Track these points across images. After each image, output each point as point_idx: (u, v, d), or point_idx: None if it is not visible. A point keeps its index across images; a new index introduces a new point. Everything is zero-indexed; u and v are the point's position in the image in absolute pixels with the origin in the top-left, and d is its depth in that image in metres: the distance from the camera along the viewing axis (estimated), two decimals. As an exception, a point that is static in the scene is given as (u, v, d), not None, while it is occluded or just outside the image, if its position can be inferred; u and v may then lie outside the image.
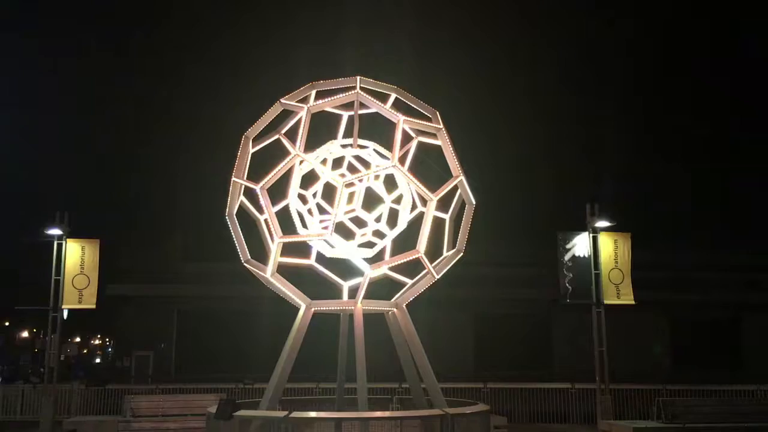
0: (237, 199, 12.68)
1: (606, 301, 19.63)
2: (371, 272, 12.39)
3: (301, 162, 12.63)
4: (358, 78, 12.61)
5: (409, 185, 12.74)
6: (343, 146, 13.18)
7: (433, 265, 12.62)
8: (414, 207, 13.08)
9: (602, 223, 19.87)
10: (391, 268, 12.99)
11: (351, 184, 12.56)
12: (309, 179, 12.93)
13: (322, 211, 12.66)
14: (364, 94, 12.57)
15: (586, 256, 19.83)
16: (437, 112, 12.93)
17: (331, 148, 13.13)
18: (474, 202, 12.89)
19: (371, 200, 12.92)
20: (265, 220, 12.36)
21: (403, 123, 12.34)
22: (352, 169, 12.92)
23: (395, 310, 12.96)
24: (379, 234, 12.98)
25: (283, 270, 12.61)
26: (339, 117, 13.44)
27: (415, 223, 12.79)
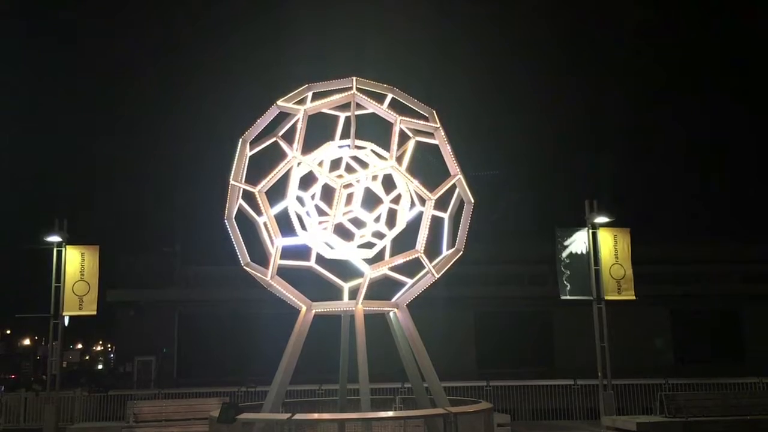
0: (235, 203, 12.66)
1: (607, 297, 19.60)
2: (371, 273, 12.36)
3: (298, 164, 12.61)
4: (354, 79, 12.59)
5: (407, 185, 12.71)
6: (341, 147, 13.16)
7: (433, 264, 12.60)
8: (413, 206, 13.05)
9: (601, 219, 19.85)
10: (391, 268, 12.96)
11: (349, 185, 12.54)
12: (307, 181, 12.90)
13: (320, 212, 12.64)
14: (361, 95, 12.55)
15: (585, 252, 19.80)
16: (434, 112, 12.91)
17: (329, 150, 13.10)
18: (473, 201, 12.86)
19: (370, 201, 12.90)
20: (264, 223, 12.34)
21: (399, 123, 12.31)
22: (349, 170, 12.90)
23: (396, 310, 12.95)
24: (378, 234, 12.95)
25: (283, 272, 12.59)
26: (336, 118, 13.41)
27: (414, 223, 12.76)
